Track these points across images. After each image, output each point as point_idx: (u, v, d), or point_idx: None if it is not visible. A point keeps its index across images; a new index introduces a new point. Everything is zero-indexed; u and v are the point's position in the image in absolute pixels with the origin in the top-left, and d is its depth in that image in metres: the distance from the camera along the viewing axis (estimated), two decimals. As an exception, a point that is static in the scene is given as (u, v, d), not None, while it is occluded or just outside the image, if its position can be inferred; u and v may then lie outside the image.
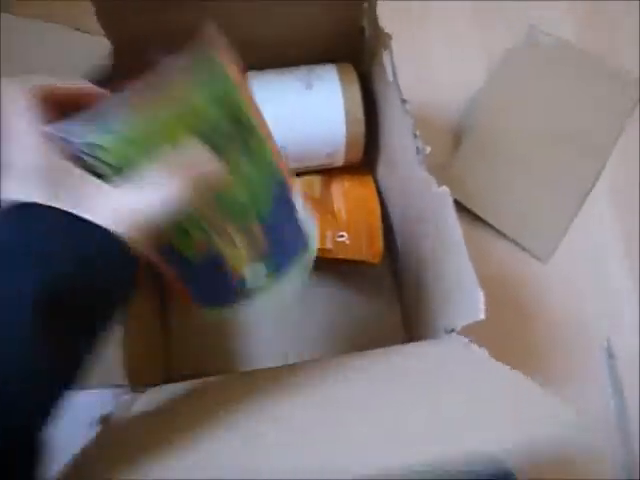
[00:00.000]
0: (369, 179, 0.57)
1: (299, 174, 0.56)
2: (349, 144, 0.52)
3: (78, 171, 0.24)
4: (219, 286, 0.33)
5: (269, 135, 0.32)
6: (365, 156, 0.56)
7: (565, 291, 0.60)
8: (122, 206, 0.24)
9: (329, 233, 0.51)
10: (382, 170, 0.56)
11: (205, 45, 0.28)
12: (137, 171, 0.26)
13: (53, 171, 0.24)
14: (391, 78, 0.47)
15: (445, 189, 0.41)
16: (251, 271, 0.33)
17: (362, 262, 0.51)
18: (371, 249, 0.51)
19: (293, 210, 0.33)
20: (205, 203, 0.28)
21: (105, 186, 0.25)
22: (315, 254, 0.35)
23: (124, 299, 0.27)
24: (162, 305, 0.56)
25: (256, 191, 0.31)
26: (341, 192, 0.56)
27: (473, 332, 0.40)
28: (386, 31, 0.47)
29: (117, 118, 0.26)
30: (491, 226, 0.61)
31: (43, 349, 0.22)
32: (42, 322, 0.21)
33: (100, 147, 0.25)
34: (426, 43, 0.71)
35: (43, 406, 0.23)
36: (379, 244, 0.52)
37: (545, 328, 0.58)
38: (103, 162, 0.26)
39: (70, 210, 0.23)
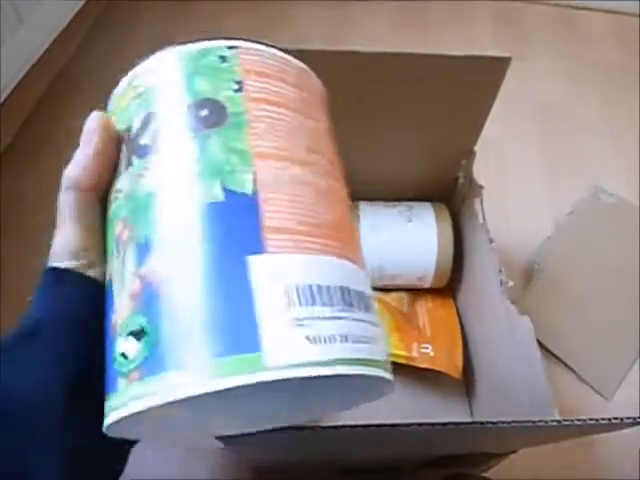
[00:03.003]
0: (451, 302, 0.65)
1: (390, 290, 0.65)
2: (437, 272, 0.62)
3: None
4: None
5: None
6: (448, 282, 0.65)
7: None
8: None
9: (415, 344, 0.59)
10: (463, 296, 0.65)
11: None
12: None
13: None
14: (481, 221, 0.57)
15: (526, 317, 0.49)
16: (124, 339, 0.19)
17: (442, 373, 0.58)
18: (452, 363, 0.58)
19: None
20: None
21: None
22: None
23: None
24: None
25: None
26: (425, 311, 0.64)
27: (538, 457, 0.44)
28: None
29: None
30: (557, 358, 0.67)
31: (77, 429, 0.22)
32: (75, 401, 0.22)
33: None
34: (502, 194, 0.83)
35: None
36: (459, 360, 0.59)
37: (603, 460, 0.61)
38: None
39: None
